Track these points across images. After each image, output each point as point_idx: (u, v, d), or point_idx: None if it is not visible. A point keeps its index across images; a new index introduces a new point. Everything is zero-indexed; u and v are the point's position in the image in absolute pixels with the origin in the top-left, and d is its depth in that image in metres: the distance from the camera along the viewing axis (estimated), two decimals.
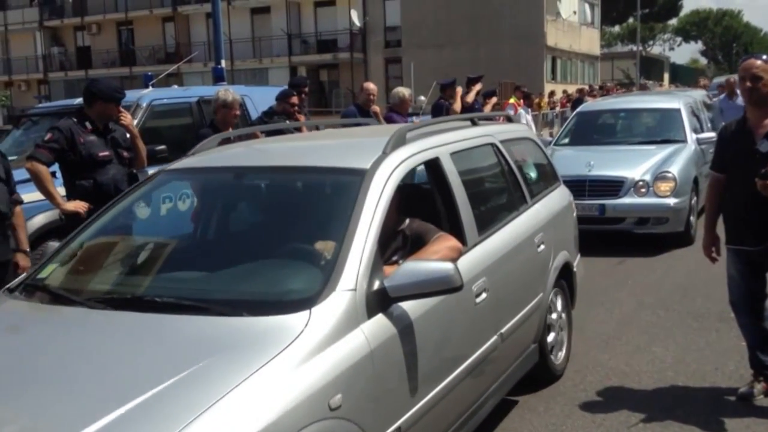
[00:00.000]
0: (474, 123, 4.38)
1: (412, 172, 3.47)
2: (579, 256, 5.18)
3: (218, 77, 10.38)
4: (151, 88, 7.86)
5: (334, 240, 2.87)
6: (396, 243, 3.29)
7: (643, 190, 8.03)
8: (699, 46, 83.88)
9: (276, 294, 2.81)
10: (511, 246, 3.88)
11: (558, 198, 5.01)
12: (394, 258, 3.20)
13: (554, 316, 4.60)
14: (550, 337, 4.53)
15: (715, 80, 22.12)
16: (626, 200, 8.01)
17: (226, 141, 4.65)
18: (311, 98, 37.48)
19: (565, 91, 28.46)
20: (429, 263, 2.80)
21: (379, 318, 2.73)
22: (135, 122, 6.92)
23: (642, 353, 5.04)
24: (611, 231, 8.23)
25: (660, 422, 3.98)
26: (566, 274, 4.79)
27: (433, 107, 10.60)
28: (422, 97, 22.27)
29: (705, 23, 79.91)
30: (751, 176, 3.78)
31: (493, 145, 4.26)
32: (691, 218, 8.37)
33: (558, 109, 26.68)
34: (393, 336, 2.75)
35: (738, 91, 10.46)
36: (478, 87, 10.81)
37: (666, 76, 52.38)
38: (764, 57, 4.00)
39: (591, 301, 6.33)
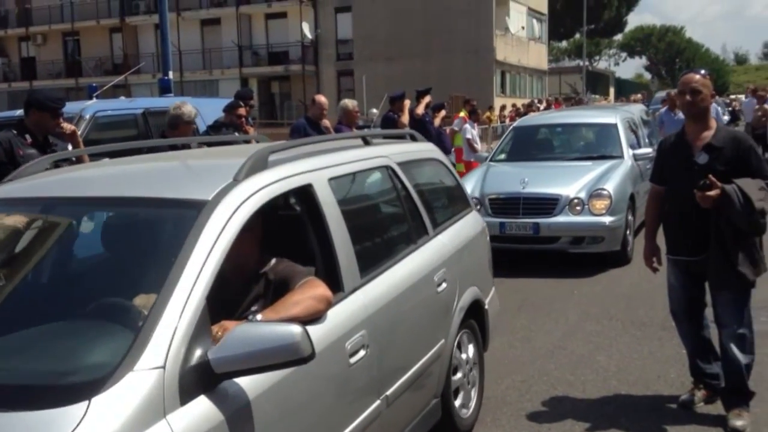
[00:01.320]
0: (366, 142, 3.81)
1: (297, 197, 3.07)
2: (493, 289, 4.70)
3: (164, 89, 10.25)
4: (95, 100, 7.72)
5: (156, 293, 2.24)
6: (257, 289, 2.76)
7: (578, 208, 7.77)
8: (643, 61, 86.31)
9: (48, 376, 2.06)
10: (402, 288, 3.31)
11: (468, 225, 4.50)
12: (254, 308, 2.68)
13: (461, 363, 4.01)
14: (457, 389, 3.97)
15: (658, 94, 22.70)
16: (561, 219, 7.74)
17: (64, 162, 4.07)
18: (262, 110, 37.41)
19: (514, 105, 28.87)
20: (268, 327, 2.20)
21: (200, 403, 2.08)
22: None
23: (587, 363, 5.11)
24: (546, 251, 8.01)
25: (604, 431, 4.03)
26: (476, 312, 4.23)
27: (382, 120, 10.64)
28: (374, 110, 22.39)
29: (649, 39, 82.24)
30: (690, 188, 3.87)
31: (388, 168, 3.69)
32: (628, 237, 8.13)
33: (507, 122, 27.04)
34: (219, 426, 2.09)
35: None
36: (427, 99, 10.88)
37: (612, 90, 53.59)
38: (702, 72, 4.11)
39: (538, 311, 6.43)
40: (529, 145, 9.75)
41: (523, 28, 40.20)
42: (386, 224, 3.83)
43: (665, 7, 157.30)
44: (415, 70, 33.87)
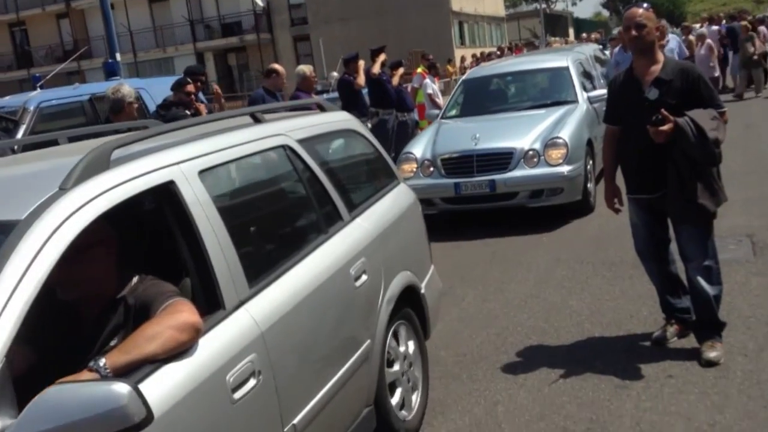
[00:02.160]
0: (256, 120, 3.23)
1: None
2: (432, 268, 4.23)
3: (111, 72, 9.96)
4: (39, 90, 7.48)
5: None
6: (116, 318, 2.29)
7: (534, 160, 7.38)
8: None
9: None
10: (306, 292, 2.79)
11: (394, 202, 3.98)
12: (113, 342, 2.21)
13: (399, 357, 3.57)
14: (394, 389, 3.52)
15: (615, 31, 22.56)
16: (517, 173, 7.34)
17: None
18: (222, 84, 36.80)
19: (473, 55, 28.65)
20: (86, 388, 1.70)
21: None
22: (23, 127, 6.58)
23: (559, 309, 5.10)
24: (504, 208, 7.58)
25: (579, 375, 4.02)
26: (412, 299, 3.77)
27: (338, 83, 10.47)
28: (334, 73, 22.10)
29: None
30: (643, 125, 3.82)
31: (285, 147, 3.15)
32: (589, 185, 7.75)
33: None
34: None
35: None
36: (382, 58, 10.71)
37: (571, 31, 53.43)
38: (645, 5, 4.03)
39: (509, 261, 6.41)
40: (480, 98, 9.30)
41: None
42: (285, 216, 3.26)
43: None
44: (371, 29, 33.43)
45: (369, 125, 10.47)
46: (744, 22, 16.74)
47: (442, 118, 9.11)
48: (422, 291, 3.91)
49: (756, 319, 4.43)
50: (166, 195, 2.40)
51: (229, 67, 40.67)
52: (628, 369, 4.04)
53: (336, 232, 3.25)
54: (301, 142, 3.27)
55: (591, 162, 7.97)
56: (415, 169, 7.77)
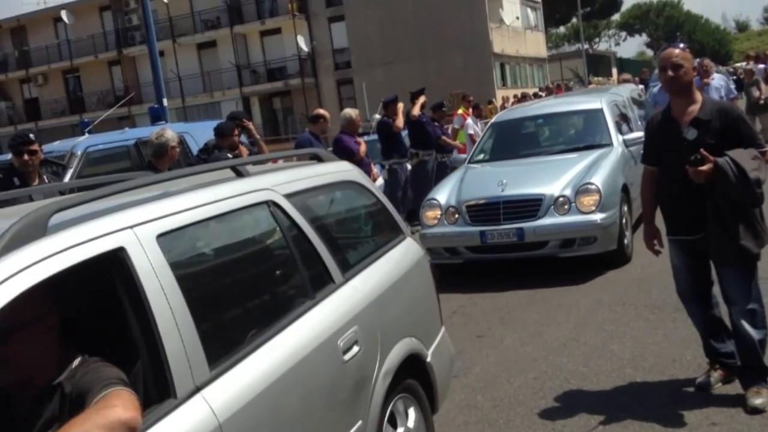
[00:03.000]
0: (238, 173, 2.89)
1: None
2: (443, 331, 3.83)
3: (155, 117, 10.25)
4: (87, 135, 7.73)
5: None
6: (51, 408, 2.02)
7: (565, 207, 6.94)
8: (644, 38, 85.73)
9: None
10: (281, 371, 2.42)
11: (398, 259, 3.63)
12: None
13: None
14: None
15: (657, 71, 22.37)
16: (547, 221, 6.91)
17: None
18: (266, 127, 37.50)
19: (516, 96, 28.70)
20: None
21: None
22: (71, 171, 6.79)
23: (600, 353, 4.99)
24: (534, 258, 7.17)
25: (619, 422, 3.92)
26: (417, 368, 3.38)
27: (378, 126, 10.60)
28: (377, 116, 22.36)
29: (647, 16, 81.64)
30: (682, 165, 3.77)
31: (269, 204, 2.83)
32: (625, 233, 7.31)
33: None
34: None
35: None
36: (422, 100, 10.84)
37: (614, 71, 53.21)
38: (682, 45, 4.02)
39: (548, 303, 6.32)
40: (510, 141, 8.92)
41: (517, 18, 40.03)
42: (263, 283, 2.84)
43: None
44: (413, 71, 33.78)
45: (409, 166, 10.56)
46: (749, 66, 16.33)
47: (469, 162, 8.76)
48: (428, 359, 3.48)
49: None
50: (114, 264, 2.09)
51: (274, 111, 41.41)
52: (671, 416, 3.92)
53: (325, 297, 2.89)
54: (289, 196, 2.95)
55: (627, 209, 7.50)
56: (439, 216, 7.44)
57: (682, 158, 3.77)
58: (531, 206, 7.03)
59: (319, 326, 2.74)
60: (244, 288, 2.69)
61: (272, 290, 2.87)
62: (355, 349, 2.87)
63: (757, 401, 3.83)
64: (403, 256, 3.71)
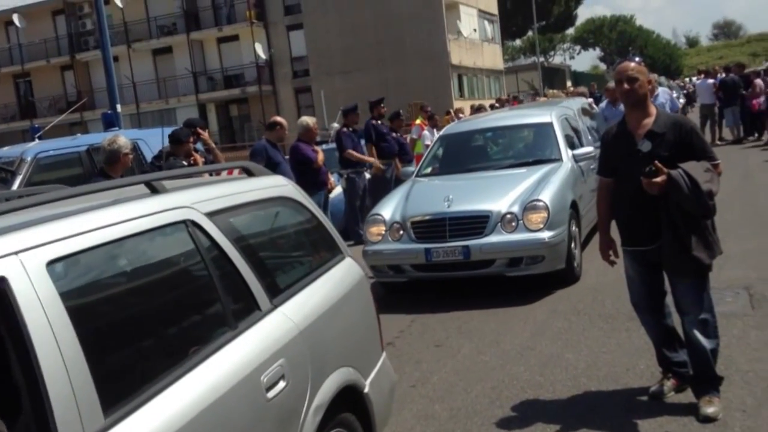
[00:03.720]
0: (154, 189, 2.63)
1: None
2: (383, 357, 3.61)
3: (109, 123, 10.05)
4: (37, 141, 7.54)
5: None
6: None
7: (512, 224, 6.70)
8: (597, 52, 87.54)
9: None
10: (190, 415, 2.16)
11: (336, 282, 3.37)
12: None
13: None
14: None
15: (610, 84, 22.80)
16: (494, 239, 6.67)
17: None
18: (222, 134, 37.18)
19: (472, 107, 28.93)
20: None
21: None
22: (20, 177, 6.61)
23: (556, 362, 5.03)
24: (480, 277, 6.92)
25: (574, 431, 3.94)
26: (353, 401, 3.15)
27: (336, 136, 10.57)
28: (335, 124, 22.31)
29: (601, 30, 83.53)
30: (637, 177, 3.83)
31: (188, 223, 2.55)
32: (574, 251, 7.07)
33: None
34: None
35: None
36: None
37: (569, 83, 54.16)
38: (637, 59, 4.09)
39: (505, 313, 6.34)
40: (458, 155, 8.67)
41: (475, 30, 40.44)
42: (174, 313, 2.51)
43: None
44: (372, 81, 33.89)
45: (368, 175, 10.55)
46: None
47: (416, 176, 8.45)
48: (366, 390, 3.23)
49: (755, 374, 4.37)
50: None
51: (231, 118, 41.10)
52: (625, 425, 3.97)
53: (248, 327, 2.61)
54: (211, 215, 2.68)
55: (576, 226, 7.31)
56: (383, 233, 7.12)
57: (637, 170, 3.83)
58: (477, 223, 6.79)
59: (240, 361, 2.47)
60: (151, 320, 2.37)
61: (186, 321, 2.52)
62: (281, 384, 2.59)
63: (710, 410, 3.89)
64: (341, 278, 3.44)
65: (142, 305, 2.38)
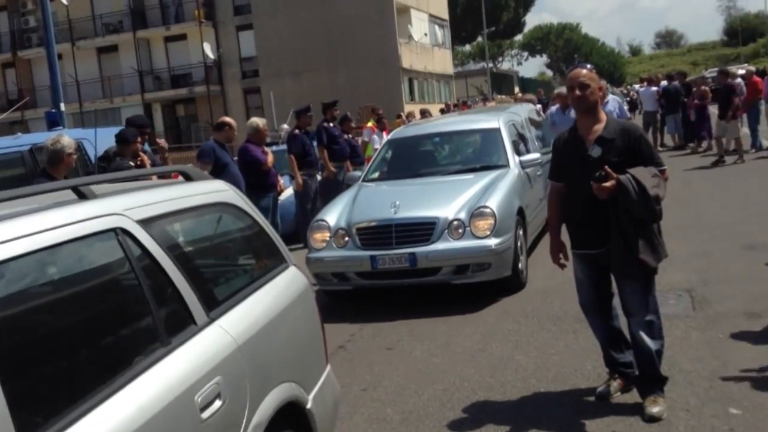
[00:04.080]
0: (82, 195, 2.48)
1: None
2: (327, 370, 3.50)
3: (52, 122, 9.78)
4: None
5: None
6: None
7: (459, 231, 6.60)
8: (544, 59, 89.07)
9: None
10: None
11: (278, 293, 3.23)
12: None
13: None
14: None
15: (561, 90, 23.15)
16: (440, 246, 6.54)
17: None
18: (168, 135, 36.54)
19: (422, 111, 29.08)
20: None
21: None
22: None
23: (506, 363, 5.09)
24: (427, 284, 6.77)
25: None
26: (296, 418, 3.03)
27: (288, 138, 10.51)
28: (285, 126, 22.17)
29: (548, 37, 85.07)
30: (587, 181, 3.91)
31: (117, 231, 2.41)
32: (520, 258, 6.99)
33: None
34: None
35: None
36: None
37: (516, 89, 54.98)
38: (589, 66, 4.17)
39: (457, 315, 6.39)
40: (406, 160, 8.57)
41: (426, 34, 40.69)
42: (101, 329, 2.33)
43: (561, 6, 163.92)
44: (322, 83, 33.83)
45: (319, 177, 10.51)
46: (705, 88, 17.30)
47: (363, 180, 8.24)
48: (309, 405, 3.10)
49: (697, 374, 4.49)
50: None
51: (177, 118, 40.49)
52: (573, 425, 4.04)
53: (182, 342, 2.46)
54: (144, 222, 2.53)
55: (522, 233, 7.22)
56: (327, 239, 6.92)
57: (587, 175, 3.91)
58: (424, 230, 6.65)
59: (172, 379, 2.31)
60: (75, 337, 2.20)
61: (113, 338, 2.35)
62: (217, 404, 2.45)
63: (654, 409, 3.99)
64: (284, 288, 3.27)
65: (65, 321, 2.22)
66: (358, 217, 6.96)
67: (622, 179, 3.83)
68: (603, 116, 4.12)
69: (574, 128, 4.20)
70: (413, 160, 8.60)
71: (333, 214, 7.18)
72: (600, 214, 3.99)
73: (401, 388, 4.86)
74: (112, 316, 2.44)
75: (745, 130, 15.98)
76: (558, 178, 4.30)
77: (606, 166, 3.85)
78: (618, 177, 3.83)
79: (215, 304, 2.76)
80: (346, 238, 6.87)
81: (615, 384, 4.32)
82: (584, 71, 4.07)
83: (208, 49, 35.66)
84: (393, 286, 6.94)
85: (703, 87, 17.43)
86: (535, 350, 5.28)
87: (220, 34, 38.45)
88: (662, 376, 4.14)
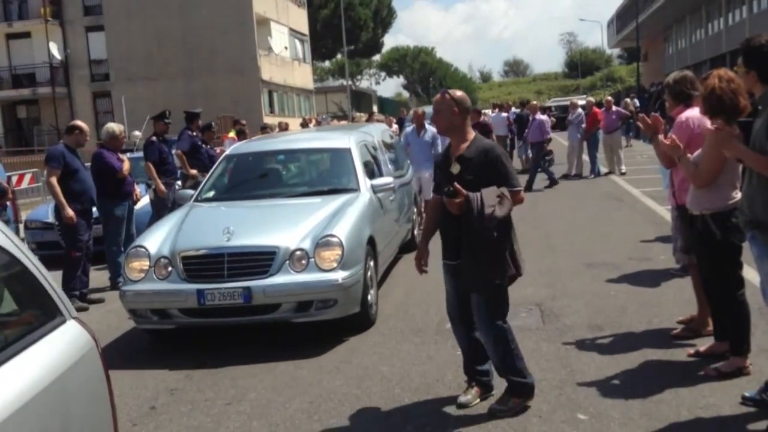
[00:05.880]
0: None
1: None
2: None
3: None
4: None
5: None
6: None
7: (302, 262, 5.85)
8: (401, 80, 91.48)
9: None
10: None
11: (47, 359, 2.43)
12: None
13: None
14: None
15: (418, 109, 23.82)
16: (280, 279, 5.77)
17: None
18: (8, 137, 34.17)
19: (280, 124, 28.97)
20: None
21: None
22: None
23: (371, 375, 5.19)
24: (263, 323, 5.99)
25: None
26: None
27: (145, 145, 10.17)
28: (137, 132, 21.36)
29: (405, 59, 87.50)
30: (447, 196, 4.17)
31: None
32: (370, 291, 6.35)
33: None
34: None
35: (426, 126, 11.40)
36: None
37: (375, 108, 56.04)
38: (442, 92, 4.51)
39: (321, 327, 6.41)
40: (245, 179, 7.85)
41: (286, 48, 40.63)
42: None
43: (417, 30, 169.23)
44: (178, 90, 32.94)
45: (178, 186, 10.21)
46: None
47: (195, 200, 7.38)
48: None
49: (548, 382, 4.78)
50: None
51: (19, 120, 37.93)
52: None
53: None
54: None
55: (373, 264, 6.58)
56: (146, 269, 5.99)
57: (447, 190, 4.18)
58: (262, 261, 5.85)
59: None
60: None
61: None
62: None
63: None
64: (56, 351, 2.48)
65: None
66: (183, 244, 6.05)
67: (471, 196, 4.11)
68: (470, 136, 4.39)
69: (449, 146, 4.49)
70: (254, 180, 7.88)
71: (154, 240, 6.23)
72: (455, 228, 4.24)
73: (267, 401, 4.84)
74: None
75: (585, 158, 17.20)
76: (437, 191, 4.54)
77: (455, 183, 4.13)
78: (467, 194, 4.10)
79: None
80: (169, 269, 5.95)
81: (473, 391, 4.55)
82: (438, 96, 4.46)
83: (54, 49, 33.63)
84: (224, 324, 6.10)
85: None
86: (399, 361, 5.42)
87: (68, 33, 36.52)
88: (514, 382, 4.39)
